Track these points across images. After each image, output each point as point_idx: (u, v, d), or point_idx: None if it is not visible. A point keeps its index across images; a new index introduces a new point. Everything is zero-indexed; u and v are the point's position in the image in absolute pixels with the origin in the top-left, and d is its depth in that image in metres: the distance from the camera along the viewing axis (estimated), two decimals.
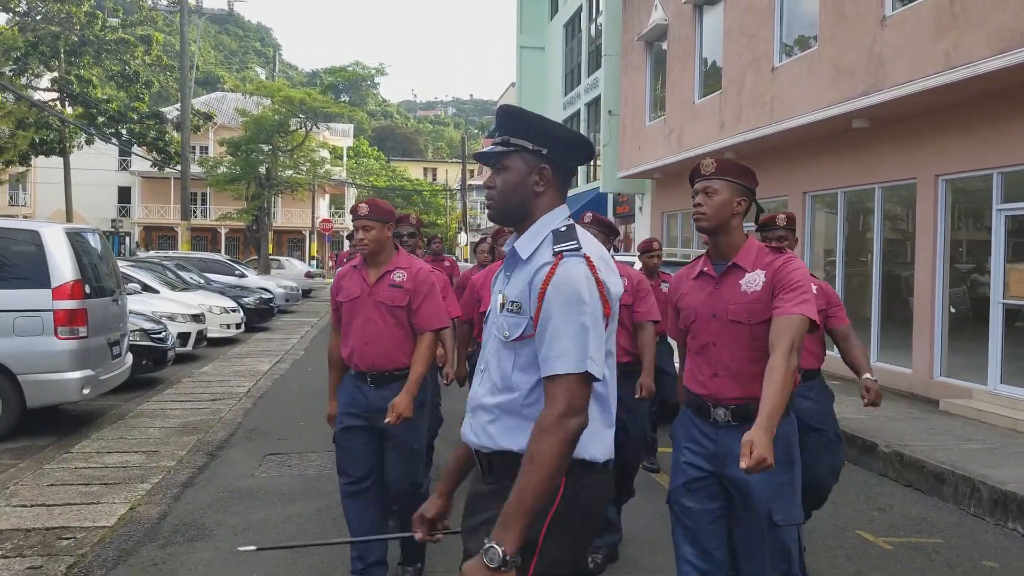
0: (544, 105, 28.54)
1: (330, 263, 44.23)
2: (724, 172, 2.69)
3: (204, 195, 45.73)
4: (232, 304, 14.76)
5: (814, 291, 2.61)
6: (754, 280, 2.64)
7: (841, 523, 5.20)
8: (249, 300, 16.48)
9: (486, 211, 2.22)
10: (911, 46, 8.85)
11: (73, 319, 6.95)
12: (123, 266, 11.58)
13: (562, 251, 1.94)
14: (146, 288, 12.70)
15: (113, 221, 47.20)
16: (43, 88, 28.28)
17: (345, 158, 56.10)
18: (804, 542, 4.32)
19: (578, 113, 25.04)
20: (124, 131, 28.53)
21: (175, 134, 27.61)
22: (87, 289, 7.16)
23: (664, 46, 16.90)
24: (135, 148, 29.84)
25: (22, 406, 6.95)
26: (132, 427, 7.52)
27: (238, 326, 14.61)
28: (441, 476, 2.25)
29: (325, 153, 40.27)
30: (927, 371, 9.31)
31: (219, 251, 40.73)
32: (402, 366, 3.74)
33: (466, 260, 34.89)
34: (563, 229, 2.00)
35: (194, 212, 39.14)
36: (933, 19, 8.54)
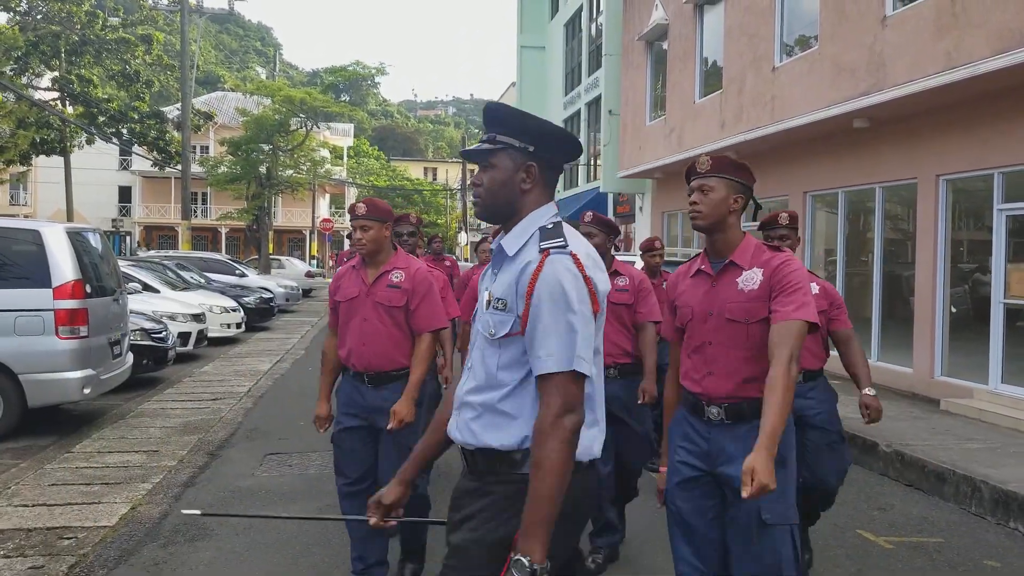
0: (544, 105, 28.53)
1: (330, 263, 44.22)
2: (720, 169, 2.65)
3: (205, 195, 45.77)
4: (232, 304, 14.77)
5: (815, 291, 2.59)
6: (751, 278, 2.60)
7: (842, 522, 5.19)
8: (249, 300, 16.48)
9: (473, 208, 2.21)
10: (912, 46, 8.85)
11: (74, 319, 6.96)
12: (124, 266, 11.58)
13: (549, 248, 1.93)
14: (147, 288, 12.69)
15: (114, 221, 47.20)
16: (44, 87, 28.27)
17: (345, 158, 56.12)
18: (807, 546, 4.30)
19: (578, 113, 25.03)
20: (125, 131, 28.52)
21: (176, 133, 27.61)
22: (88, 289, 7.17)
23: (665, 46, 16.89)
24: (136, 148, 29.83)
25: (23, 406, 6.96)
26: (133, 427, 7.52)
27: (238, 326, 14.62)
28: (404, 463, 2.25)
29: (325, 153, 40.32)
30: (928, 371, 9.31)
31: (220, 251, 40.78)
32: (400, 366, 3.72)
33: (466, 260, 34.88)
34: (550, 226, 1.99)
35: (195, 212, 39.08)
36: (934, 19, 8.54)
